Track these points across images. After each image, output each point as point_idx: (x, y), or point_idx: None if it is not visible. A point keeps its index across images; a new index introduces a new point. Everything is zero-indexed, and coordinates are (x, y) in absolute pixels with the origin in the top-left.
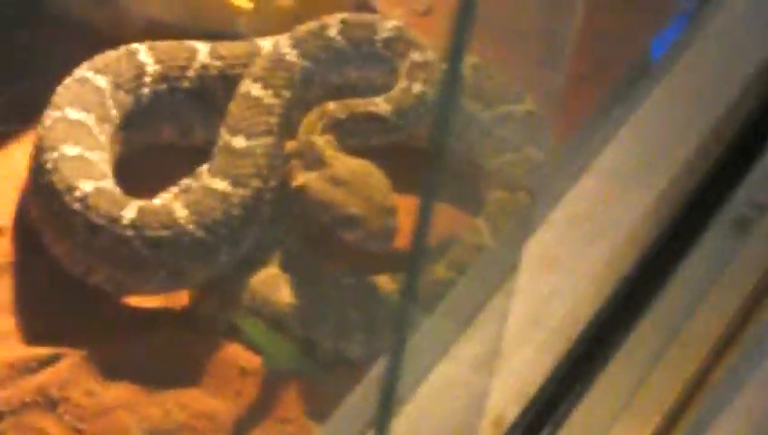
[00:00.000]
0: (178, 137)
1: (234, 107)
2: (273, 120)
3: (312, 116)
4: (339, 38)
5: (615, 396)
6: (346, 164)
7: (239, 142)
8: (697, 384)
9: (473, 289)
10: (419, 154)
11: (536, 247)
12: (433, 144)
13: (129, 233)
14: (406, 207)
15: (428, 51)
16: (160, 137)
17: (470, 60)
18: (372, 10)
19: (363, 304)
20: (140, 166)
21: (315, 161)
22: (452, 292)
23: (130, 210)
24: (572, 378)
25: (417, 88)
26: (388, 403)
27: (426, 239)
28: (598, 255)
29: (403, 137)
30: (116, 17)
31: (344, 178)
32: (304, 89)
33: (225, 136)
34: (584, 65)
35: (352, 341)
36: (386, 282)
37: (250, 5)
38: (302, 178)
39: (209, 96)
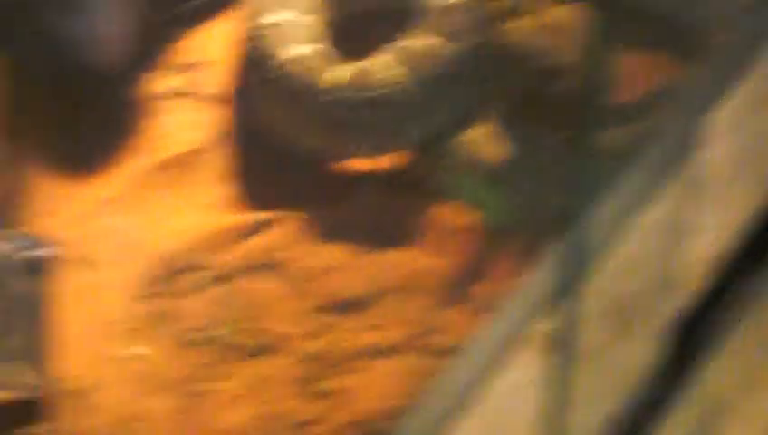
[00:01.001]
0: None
1: None
2: None
3: None
4: None
5: None
6: (553, 15)
7: None
8: None
9: (676, 137)
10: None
11: (751, 87)
12: None
13: (343, 94)
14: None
15: None
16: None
17: None
18: None
19: (573, 158)
20: (348, 32)
21: (522, 15)
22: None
23: (343, 72)
24: None
25: None
26: (589, 250)
27: (615, 91)
28: None
29: None
30: None
31: (551, 28)
32: None
33: None
34: None
35: (563, 196)
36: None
37: None
38: (508, 31)
39: None
